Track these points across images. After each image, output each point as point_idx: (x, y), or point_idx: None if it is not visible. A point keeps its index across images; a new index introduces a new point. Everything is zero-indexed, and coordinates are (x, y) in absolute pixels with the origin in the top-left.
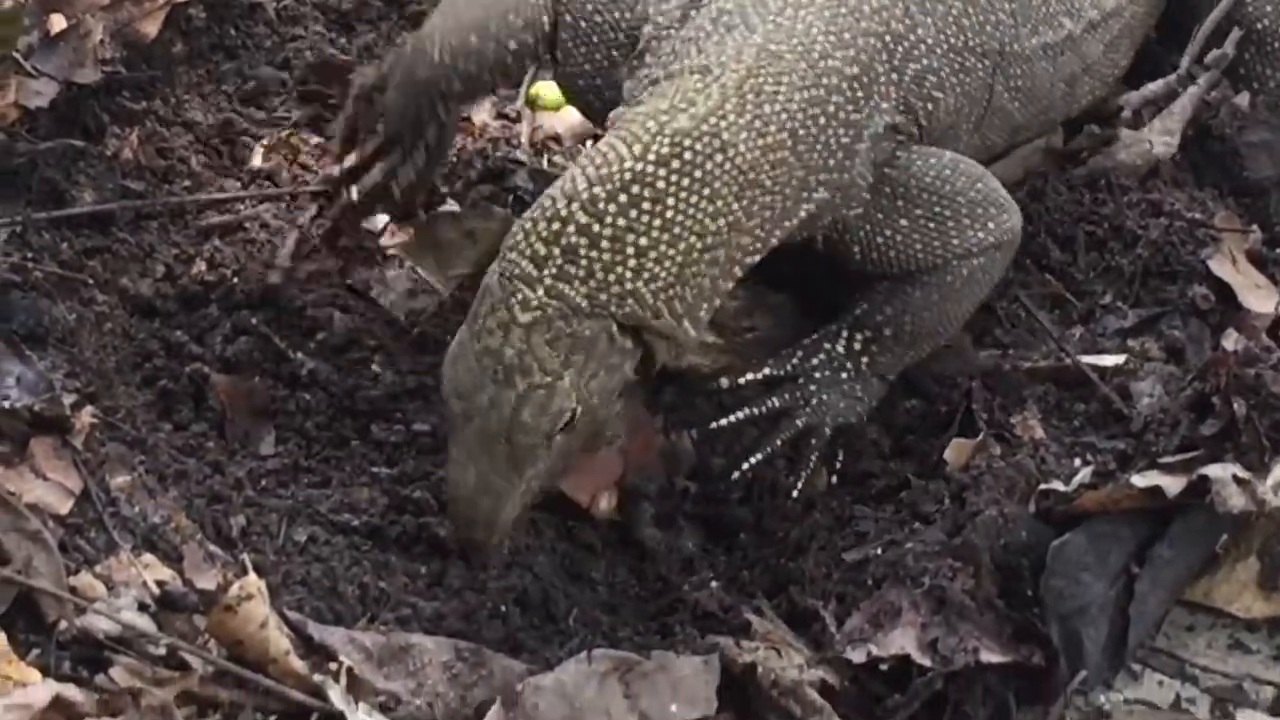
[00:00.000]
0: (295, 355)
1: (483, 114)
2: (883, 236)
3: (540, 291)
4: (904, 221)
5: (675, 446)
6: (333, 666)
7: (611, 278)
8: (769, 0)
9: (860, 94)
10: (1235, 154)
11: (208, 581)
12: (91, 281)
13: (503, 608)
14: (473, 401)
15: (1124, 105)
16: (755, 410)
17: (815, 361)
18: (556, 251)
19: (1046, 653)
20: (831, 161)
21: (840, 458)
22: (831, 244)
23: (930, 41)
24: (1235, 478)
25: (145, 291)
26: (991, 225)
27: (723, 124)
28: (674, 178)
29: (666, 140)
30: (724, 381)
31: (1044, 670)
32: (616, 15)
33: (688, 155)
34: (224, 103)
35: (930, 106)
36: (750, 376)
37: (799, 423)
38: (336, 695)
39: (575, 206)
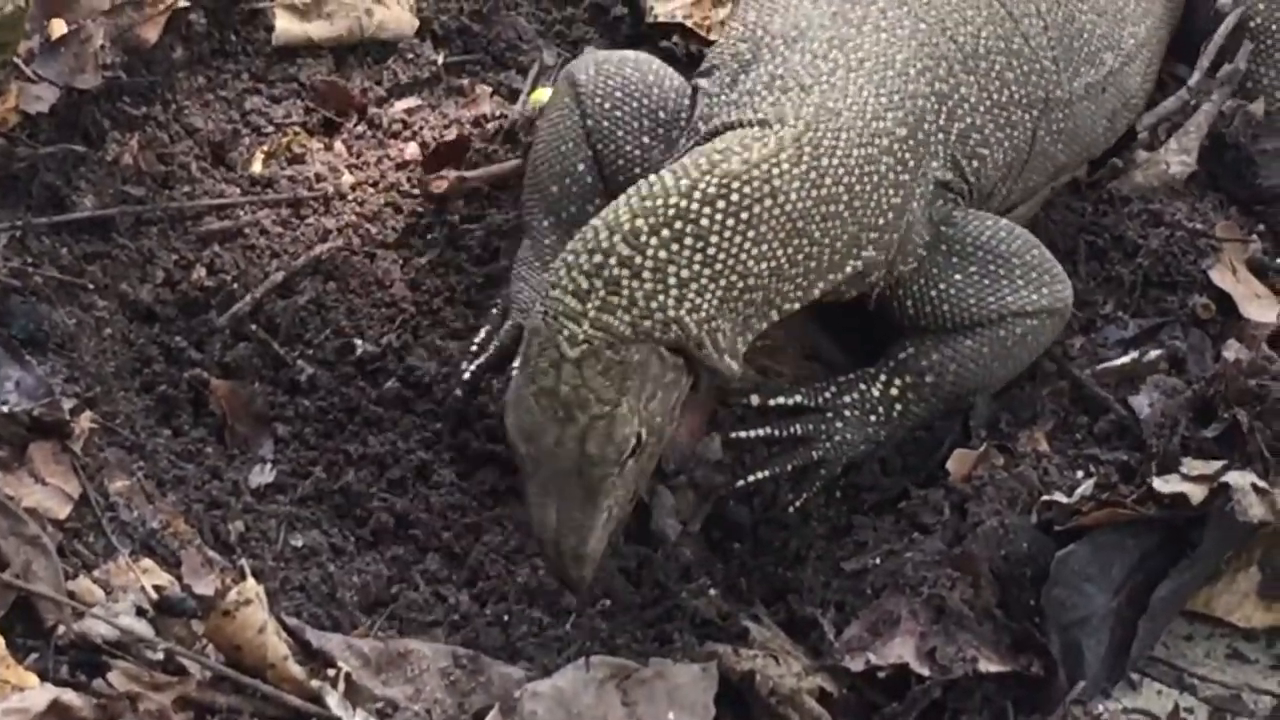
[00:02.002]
0: (294, 362)
1: (484, 106)
2: (936, 290)
3: (585, 325)
4: (958, 276)
5: (706, 446)
6: (331, 673)
7: (654, 305)
8: (819, 63)
9: (909, 155)
10: (1249, 162)
11: (206, 587)
12: (91, 287)
13: (505, 615)
14: (539, 443)
15: (1138, 127)
16: (776, 432)
17: (847, 399)
18: (599, 284)
19: (1045, 662)
20: (882, 221)
21: (841, 480)
22: (883, 299)
23: (974, 100)
24: (1255, 486)
25: (145, 297)
26: (1045, 290)
27: (775, 171)
28: (719, 217)
29: (715, 180)
30: (754, 399)
31: (1042, 680)
32: (637, 105)
33: (735, 197)
34: (224, 108)
35: (977, 164)
36: (781, 400)
37: (815, 454)
38: (334, 701)
39: (617, 239)
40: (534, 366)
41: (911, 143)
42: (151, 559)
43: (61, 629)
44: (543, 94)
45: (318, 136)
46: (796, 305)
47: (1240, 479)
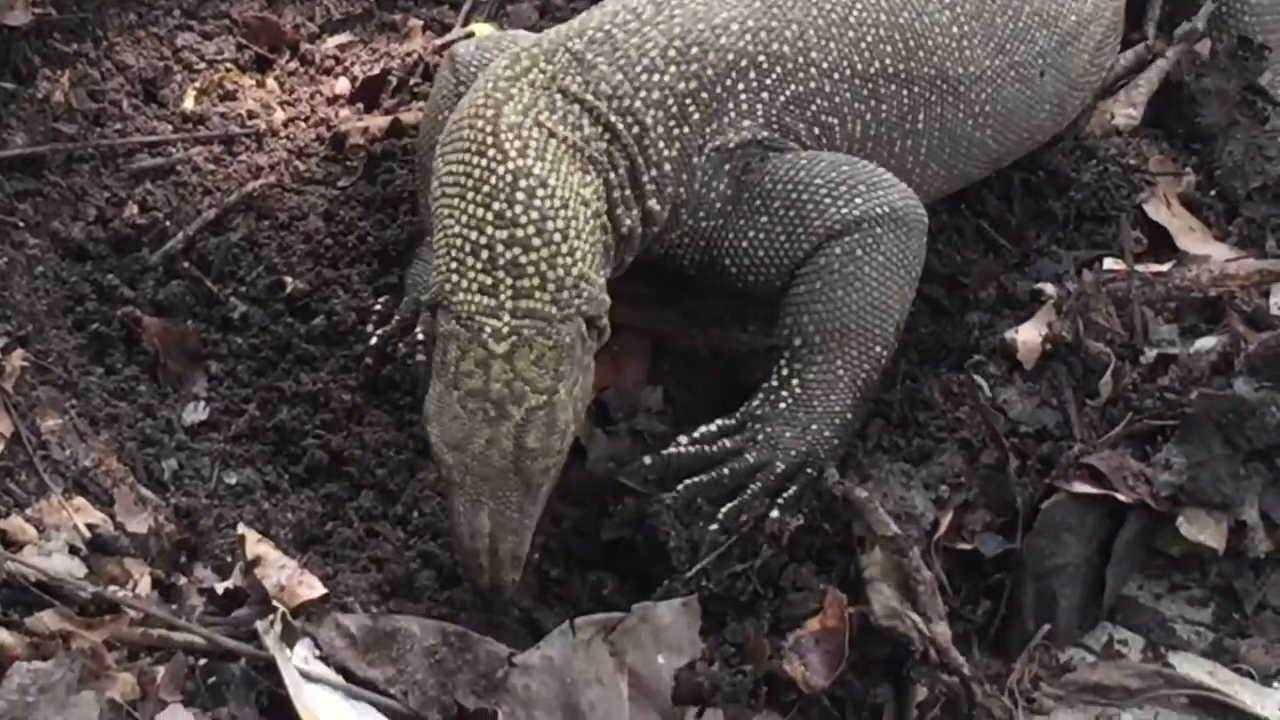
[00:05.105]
0: (227, 299)
1: (416, 41)
2: (747, 239)
3: (506, 317)
4: (764, 219)
5: (647, 394)
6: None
7: (560, 271)
8: (620, 12)
9: (694, 110)
10: (1191, 100)
11: (139, 525)
12: (22, 225)
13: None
14: (468, 449)
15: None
16: (707, 448)
17: (757, 402)
18: (500, 274)
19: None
20: (658, 171)
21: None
22: (704, 267)
23: (825, 66)
24: (1264, 517)
25: (77, 235)
26: (858, 200)
27: (543, 117)
28: (539, 162)
29: (510, 135)
30: (682, 439)
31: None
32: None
33: (533, 145)
34: (156, 45)
35: (819, 130)
36: (705, 429)
37: (749, 458)
38: (271, 640)
39: (488, 230)
40: (455, 371)
41: (702, 97)
42: (84, 497)
43: None
44: (482, 27)
45: (250, 73)
46: (612, 252)
47: (1253, 515)
